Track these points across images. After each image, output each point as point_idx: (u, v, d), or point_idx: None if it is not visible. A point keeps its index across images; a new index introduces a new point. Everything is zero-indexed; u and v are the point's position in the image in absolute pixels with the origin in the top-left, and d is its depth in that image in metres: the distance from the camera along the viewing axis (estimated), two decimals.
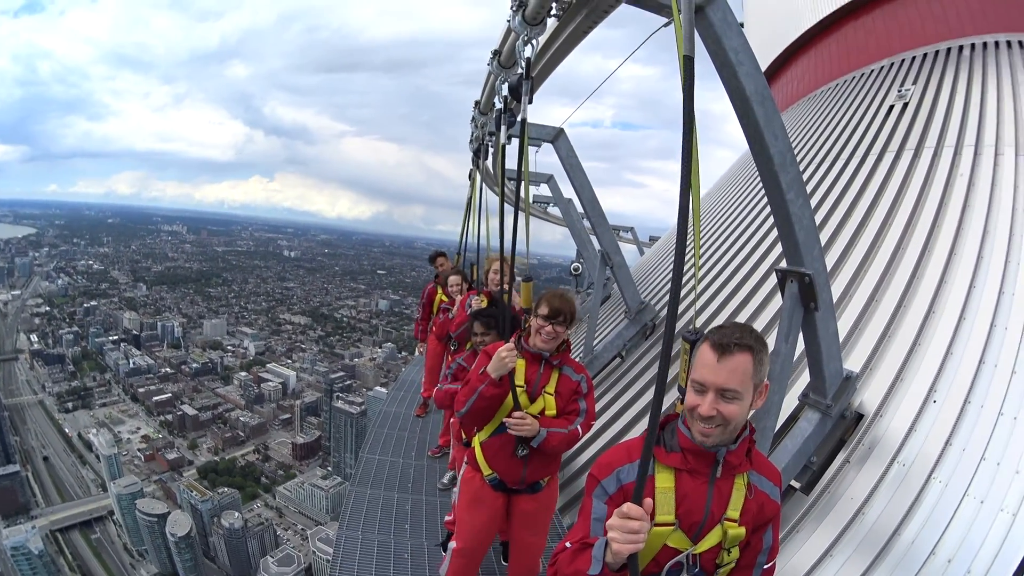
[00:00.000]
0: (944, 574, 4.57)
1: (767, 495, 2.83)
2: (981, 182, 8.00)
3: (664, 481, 2.76)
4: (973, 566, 4.49)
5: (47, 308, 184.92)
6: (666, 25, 4.69)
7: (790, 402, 6.07)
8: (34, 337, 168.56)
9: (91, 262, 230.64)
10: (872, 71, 12.41)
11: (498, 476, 4.93)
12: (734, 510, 2.73)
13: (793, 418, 6.02)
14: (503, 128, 6.22)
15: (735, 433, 2.69)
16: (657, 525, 2.68)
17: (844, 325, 6.86)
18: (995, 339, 5.99)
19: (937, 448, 5.31)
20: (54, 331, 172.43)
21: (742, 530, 2.73)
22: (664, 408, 2.52)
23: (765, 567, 2.91)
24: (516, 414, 4.54)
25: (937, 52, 10.96)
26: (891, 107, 10.58)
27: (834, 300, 5.59)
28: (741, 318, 8.71)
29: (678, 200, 2.66)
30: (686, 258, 12.13)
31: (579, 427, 4.69)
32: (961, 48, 10.62)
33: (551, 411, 4.70)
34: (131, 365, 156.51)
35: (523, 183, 5.59)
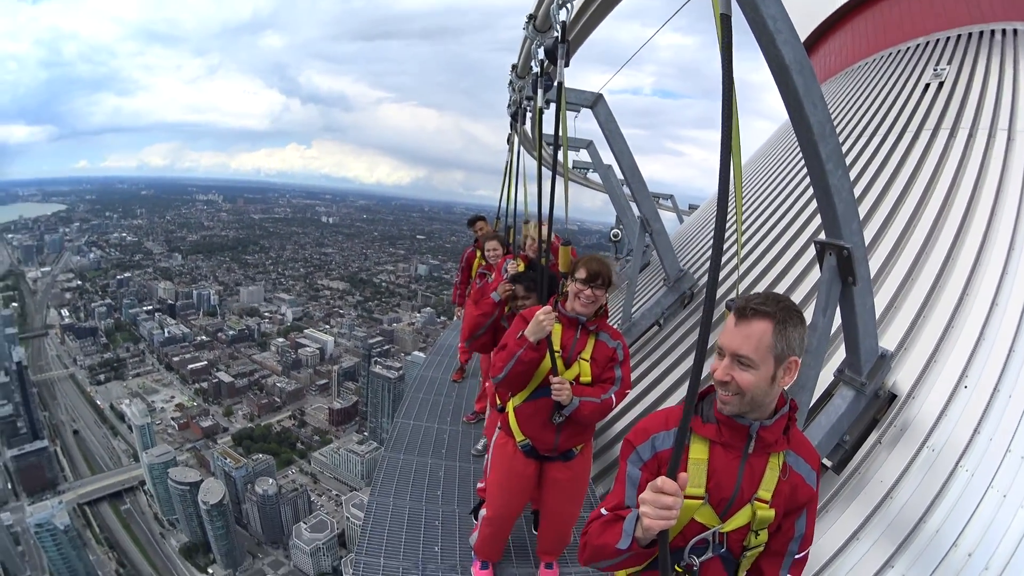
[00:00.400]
0: (964, 568, 4.53)
1: (802, 478, 2.75)
2: (1015, 167, 7.91)
3: (698, 452, 2.72)
4: (991, 562, 4.45)
5: (78, 282, 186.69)
6: None
7: (825, 378, 6.02)
8: (65, 312, 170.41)
9: (124, 234, 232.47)
10: (908, 48, 12.30)
11: (531, 443, 4.94)
12: (766, 490, 2.67)
13: (828, 394, 5.97)
14: (540, 92, 6.21)
15: (756, 405, 2.61)
16: (687, 497, 2.60)
17: (880, 302, 6.78)
18: None
19: (966, 435, 5.26)
20: (86, 304, 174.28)
21: (772, 512, 2.67)
22: (703, 376, 2.48)
23: (797, 556, 2.85)
24: (555, 379, 4.52)
25: (971, 34, 10.86)
26: (927, 85, 10.47)
27: (871, 276, 5.54)
28: (779, 289, 8.68)
29: (718, 165, 2.58)
30: (728, 227, 12.12)
31: (613, 396, 4.66)
32: (993, 32, 10.53)
33: (586, 377, 4.69)
34: (166, 334, 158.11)
35: (561, 148, 5.55)
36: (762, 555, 2.80)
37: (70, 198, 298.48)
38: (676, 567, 2.73)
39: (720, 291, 10.37)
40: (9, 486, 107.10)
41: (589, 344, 4.73)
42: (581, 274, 4.52)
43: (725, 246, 11.40)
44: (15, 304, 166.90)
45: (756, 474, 2.68)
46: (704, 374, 2.49)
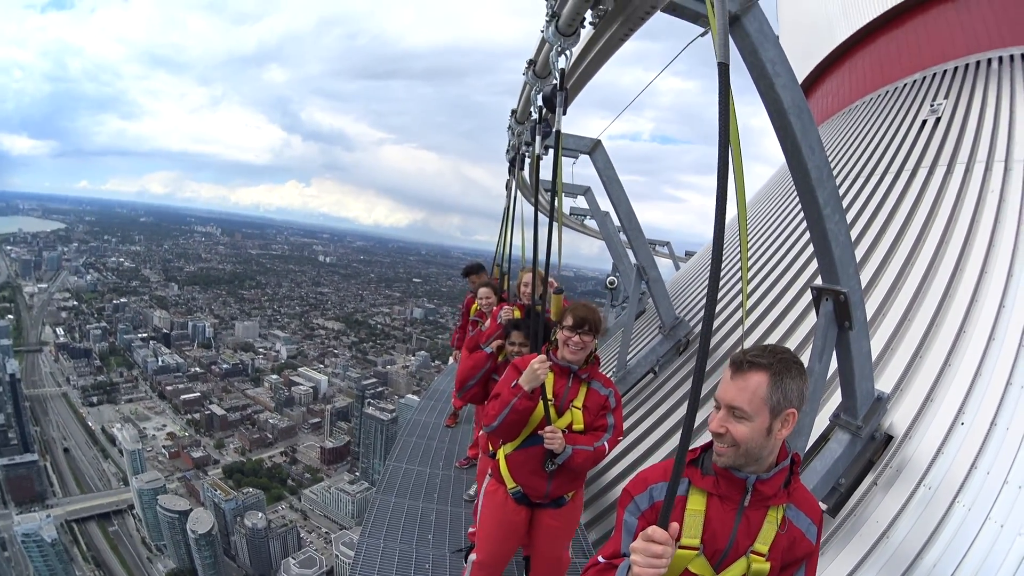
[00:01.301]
0: None
1: (801, 532, 2.72)
2: (1011, 197, 7.93)
3: (696, 504, 2.71)
4: None
5: (75, 303, 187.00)
6: (703, 35, 4.67)
7: (821, 422, 6.02)
8: (60, 330, 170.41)
9: (122, 259, 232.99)
10: (905, 85, 12.40)
11: (522, 490, 4.91)
12: (762, 543, 2.65)
13: (823, 438, 5.96)
14: (538, 139, 6.24)
15: (752, 457, 2.60)
16: (682, 547, 2.64)
17: (877, 344, 6.79)
18: (1023, 360, 5.90)
19: (963, 471, 5.25)
20: (81, 325, 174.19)
21: (767, 566, 2.65)
22: (697, 427, 2.47)
23: None
24: (548, 428, 4.51)
25: (967, 65, 10.94)
26: (924, 122, 10.57)
27: (868, 318, 5.54)
28: (775, 336, 8.72)
29: (714, 213, 2.58)
30: (727, 273, 12.09)
31: (606, 443, 4.64)
32: (989, 61, 10.60)
33: (579, 425, 4.67)
34: (160, 363, 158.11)
35: (557, 194, 5.57)
36: None
37: (70, 217, 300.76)
38: None
39: (717, 338, 10.39)
40: None
41: (581, 392, 4.73)
42: (568, 321, 4.54)
43: (727, 293, 11.44)
44: (11, 317, 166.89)
45: (753, 527, 2.65)
46: (698, 423, 2.49)
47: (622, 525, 2.79)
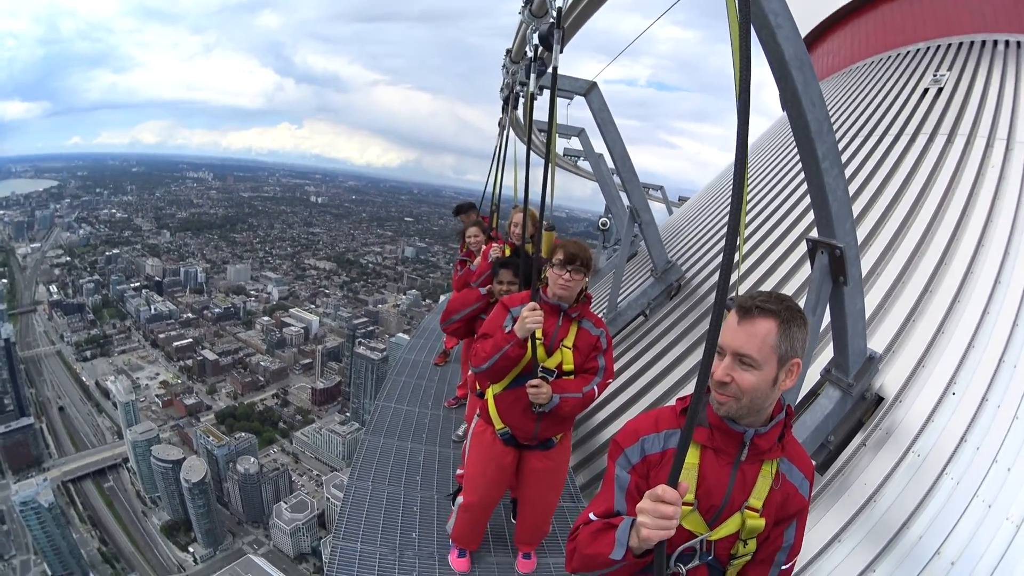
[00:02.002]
0: None
1: (795, 487, 2.67)
2: (1012, 176, 7.88)
3: (690, 457, 2.61)
4: (975, 572, 4.42)
5: (67, 258, 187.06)
6: None
7: (812, 376, 5.99)
8: (53, 288, 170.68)
9: (114, 211, 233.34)
10: (908, 52, 12.31)
11: (510, 431, 4.93)
12: (756, 499, 2.60)
13: (813, 393, 5.93)
14: (533, 77, 6.18)
15: (754, 409, 2.52)
16: None
17: (870, 303, 6.77)
18: (1017, 338, 5.88)
19: (952, 443, 5.24)
20: (74, 281, 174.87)
21: (762, 522, 2.60)
22: (685, 375, 2.41)
23: (784, 567, 2.77)
24: (532, 382, 4.52)
25: (972, 43, 10.88)
26: (926, 90, 10.49)
27: (863, 277, 5.50)
28: (769, 285, 8.69)
29: (734, 151, 2.47)
30: (721, 219, 12.08)
31: (595, 387, 4.65)
32: (996, 43, 10.54)
33: (568, 365, 4.67)
34: (152, 311, 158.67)
35: (551, 134, 5.51)
36: (748, 563, 2.72)
37: (62, 174, 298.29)
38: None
39: (709, 284, 10.37)
40: None
41: (572, 331, 4.71)
42: (559, 257, 4.48)
43: (721, 240, 11.42)
44: (4, 280, 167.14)
45: (748, 482, 2.60)
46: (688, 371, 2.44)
47: (613, 480, 2.73)
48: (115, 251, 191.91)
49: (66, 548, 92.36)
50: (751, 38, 2.54)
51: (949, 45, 11.27)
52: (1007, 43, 10.38)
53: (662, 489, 2.25)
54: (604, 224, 19.68)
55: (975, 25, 11.06)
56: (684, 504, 2.48)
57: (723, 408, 2.52)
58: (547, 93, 5.33)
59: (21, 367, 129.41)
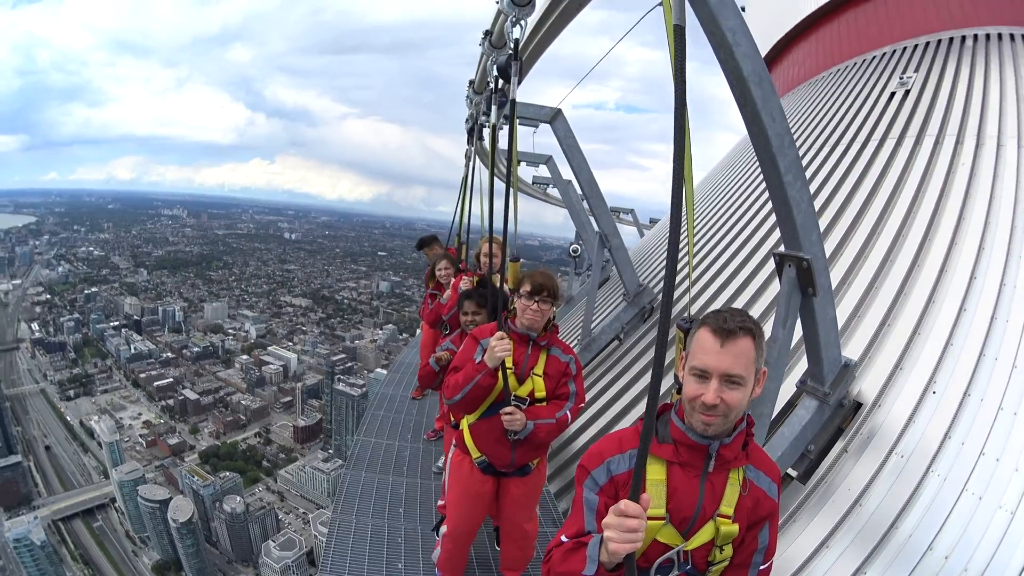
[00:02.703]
0: (942, 570, 4.52)
1: (764, 491, 2.72)
2: (983, 172, 7.94)
3: (655, 473, 2.67)
4: (971, 564, 4.45)
5: (48, 296, 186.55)
6: (659, 4, 4.63)
7: (788, 389, 6.03)
8: (35, 326, 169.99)
9: (91, 248, 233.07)
10: (874, 57, 12.37)
11: (487, 459, 4.94)
12: (727, 506, 2.64)
13: (791, 405, 6.00)
14: (494, 108, 6.24)
15: (734, 422, 2.60)
16: (648, 519, 2.50)
17: (843, 312, 6.82)
18: (996, 332, 5.94)
19: (936, 441, 5.27)
20: (55, 319, 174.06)
21: (735, 527, 2.63)
22: (661, 395, 2.44)
23: (761, 567, 2.82)
24: (506, 410, 4.55)
25: (940, 41, 10.93)
26: (892, 94, 10.55)
27: (833, 287, 5.54)
28: (739, 303, 8.73)
29: (671, 180, 2.54)
30: (698, 235, 12.11)
31: (568, 412, 4.68)
32: (964, 38, 10.59)
33: (540, 392, 4.71)
34: (132, 351, 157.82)
35: (513, 163, 5.54)
36: (727, 568, 2.76)
37: (40, 210, 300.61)
38: None
39: (682, 303, 10.42)
40: None
41: (541, 359, 4.76)
42: (526, 288, 4.56)
43: (684, 259, 11.53)
44: None
45: (717, 491, 2.64)
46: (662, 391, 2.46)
47: (583, 503, 2.76)
48: (94, 289, 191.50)
49: None
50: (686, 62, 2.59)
51: (916, 46, 11.35)
52: (975, 37, 10.46)
53: (625, 504, 2.30)
54: (575, 251, 19.74)
55: (943, 22, 11.15)
56: (655, 519, 2.59)
57: (712, 428, 2.55)
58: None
59: (7, 404, 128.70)
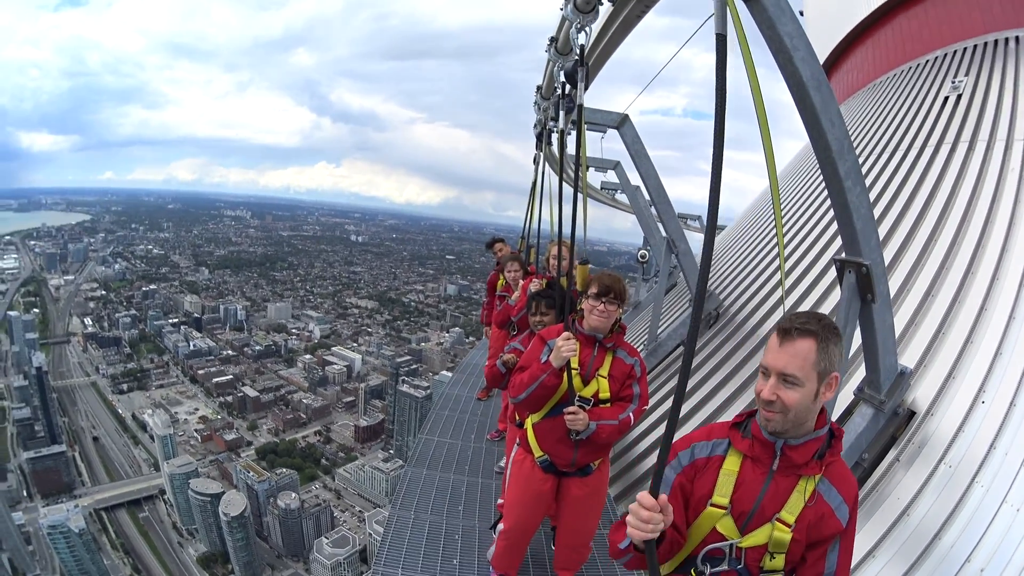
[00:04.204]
0: None
1: (831, 509, 2.68)
2: None
3: (731, 464, 2.81)
4: None
5: (102, 292, 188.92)
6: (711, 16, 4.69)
7: (846, 397, 6.06)
8: (88, 320, 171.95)
9: (150, 247, 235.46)
10: (927, 61, 12.30)
11: (549, 458, 4.98)
12: (789, 513, 2.67)
13: (848, 413, 5.97)
14: (562, 114, 6.32)
15: (799, 424, 2.63)
16: (712, 505, 2.74)
17: (901, 320, 6.79)
18: None
19: (982, 451, 5.21)
20: (110, 314, 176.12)
21: (788, 535, 2.66)
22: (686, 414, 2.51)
23: None
24: (569, 410, 4.59)
25: (986, 44, 10.85)
26: (946, 99, 10.49)
27: (892, 294, 5.53)
28: (803, 309, 8.64)
29: (708, 185, 2.60)
30: (757, 247, 12.10)
31: (631, 414, 4.70)
32: (1007, 40, 10.49)
33: (604, 394, 4.73)
34: (191, 347, 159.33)
35: (581, 167, 5.61)
36: None
37: (95, 208, 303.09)
38: (692, 572, 2.82)
39: (747, 311, 10.38)
40: (24, 487, 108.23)
41: (607, 361, 4.78)
42: (593, 289, 4.60)
43: (756, 265, 11.44)
44: (36, 311, 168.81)
45: (781, 494, 2.69)
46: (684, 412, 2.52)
47: (661, 478, 2.82)
48: (152, 287, 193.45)
49: (96, 572, 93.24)
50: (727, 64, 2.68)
51: (965, 49, 11.28)
52: (1017, 39, 10.37)
53: (641, 495, 2.48)
54: (643, 256, 19.64)
55: (987, 25, 11.06)
56: (718, 507, 2.73)
57: (771, 424, 2.63)
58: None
59: (53, 396, 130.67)
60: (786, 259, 10.48)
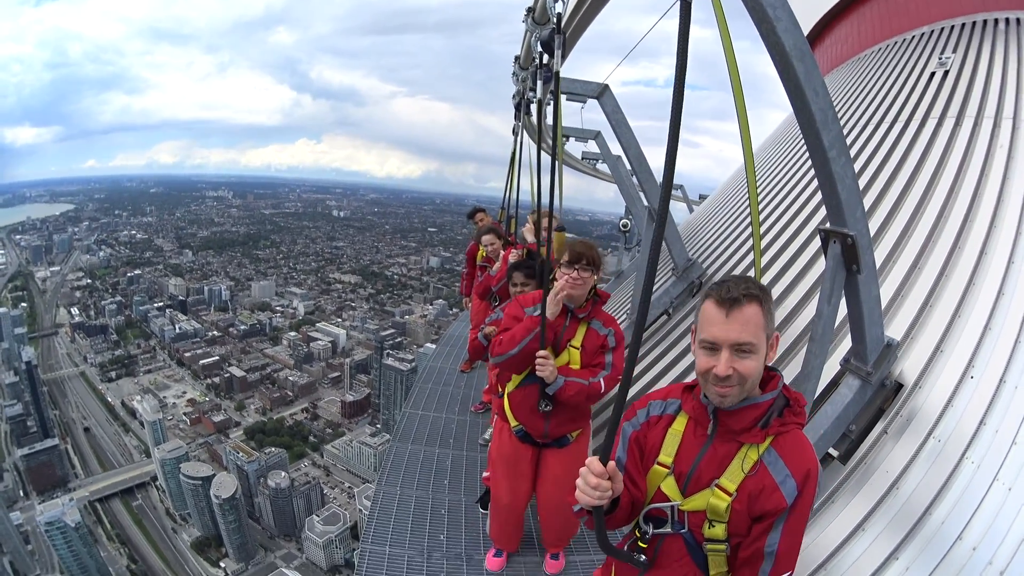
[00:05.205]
0: (968, 561, 4.46)
1: (775, 482, 2.53)
2: (1020, 154, 7.85)
3: (679, 424, 2.83)
4: (995, 557, 4.38)
5: (88, 281, 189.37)
6: None
7: (832, 367, 6.03)
8: (75, 310, 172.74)
9: (134, 232, 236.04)
10: (913, 37, 12.31)
11: (523, 428, 5.04)
12: (728, 480, 2.61)
13: (834, 383, 5.96)
14: (540, 83, 6.28)
15: (751, 391, 2.59)
16: (658, 463, 2.80)
17: (887, 291, 6.75)
18: None
19: (972, 426, 5.20)
20: (96, 302, 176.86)
21: (724, 502, 2.59)
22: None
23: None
24: (541, 353, 4.58)
25: (974, 23, 10.86)
26: (932, 74, 10.50)
27: (878, 265, 5.51)
28: (786, 280, 8.65)
29: (664, 160, 2.60)
30: (735, 217, 12.12)
31: (601, 380, 4.67)
32: (996, 21, 10.51)
33: (575, 364, 4.75)
34: (177, 330, 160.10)
35: (557, 136, 5.59)
36: (736, 563, 2.68)
37: (79, 198, 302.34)
38: (636, 532, 2.88)
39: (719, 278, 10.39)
40: (19, 485, 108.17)
41: (580, 332, 4.79)
42: (565, 257, 4.57)
43: (735, 238, 11.45)
44: (24, 304, 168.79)
45: (720, 460, 2.66)
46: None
47: (619, 433, 2.93)
48: (137, 272, 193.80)
49: (93, 566, 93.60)
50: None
51: (952, 27, 11.29)
52: (1008, 21, 10.37)
53: (589, 460, 2.53)
54: (625, 226, 19.70)
55: (975, 5, 11.08)
56: (662, 466, 2.77)
57: (727, 400, 2.56)
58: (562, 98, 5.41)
59: (44, 389, 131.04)
60: (770, 228, 10.50)
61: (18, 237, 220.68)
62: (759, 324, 2.50)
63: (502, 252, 8.57)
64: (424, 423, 9.23)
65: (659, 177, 10.17)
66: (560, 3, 5.12)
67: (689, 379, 2.95)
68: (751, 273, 9.56)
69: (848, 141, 7.72)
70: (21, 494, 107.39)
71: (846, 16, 15.92)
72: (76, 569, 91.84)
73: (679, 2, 2.72)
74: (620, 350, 4.81)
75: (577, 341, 4.77)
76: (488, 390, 9.71)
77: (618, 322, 4.96)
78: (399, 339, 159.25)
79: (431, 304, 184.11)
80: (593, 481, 2.46)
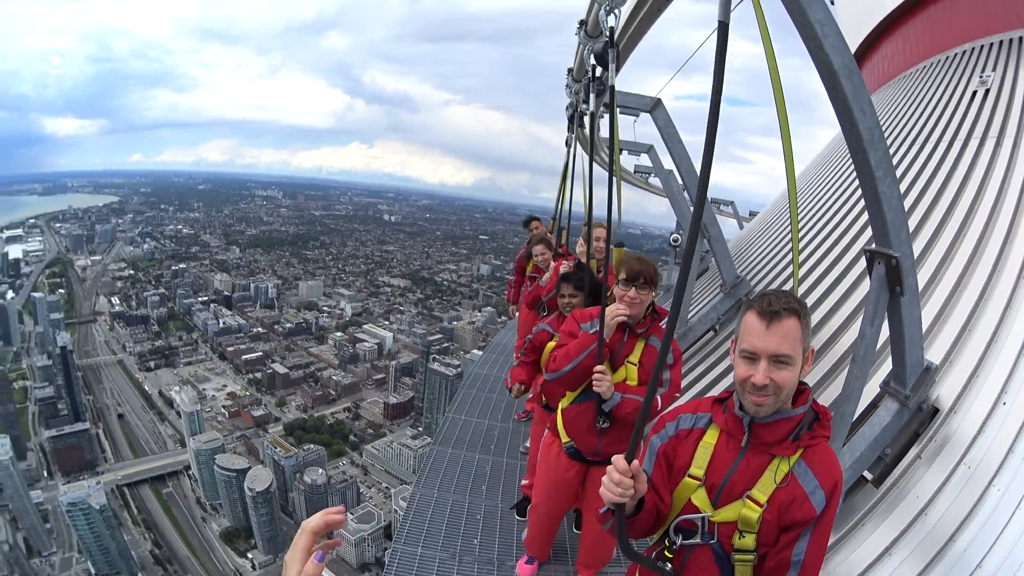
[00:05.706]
0: None
1: (805, 492, 2.63)
2: None
3: (710, 437, 2.88)
4: None
5: (131, 272, 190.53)
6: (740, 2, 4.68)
7: (872, 389, 6.00)
8: (115, 299, 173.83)
9: (180, 227, 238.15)
10: (956, 55, 12.30)
11: (574, 445, 4.98)
12: (760, 491, 2.68)
13: (873, 406, 5.93)
14: (592, 96, 6.29)
15: (786, 402, 2.66)
16: (689, 476, 2.84)
17: (929, 313, 6.71)
18: None
19: (1001, 454, 5.11)
20: (138, 293, 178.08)
21: (756, 513, 2.66)
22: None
23: None
24: (598, 368, 4.49)
25: (1011, 40, 10.81)
26: (974, 92, 10.46)
27: (920, 287, 5.48)
28: (831, 300, 8.60)
29: (699, 175, 2.65)
30: (778, 234, 12.04)
31: (659, 397, 4.55)
32: None
33: (632, 381, 4.68)
34: (220, 325, 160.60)
35: (614, 152, 5.60)
36: (763, 575, 2.75)
37: (123, 190, 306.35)
38: (665, 542, 2.91)
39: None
40: (44, 466, 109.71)
41: (638, 348, 4.71)
42: (622, 275, 4.52)
43: (777, 253, 11.40)
44: (61, 291, 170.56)
45: (752, 471, 2.72)
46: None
47: (647, 446, 3.01)
48: (182, 266, 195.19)
49: (115, 548, 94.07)
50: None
51: (991, 44, 11.25)
52: None
53: (615, 458, 2.55)
54: (675, 240, 19.62)
55: (1011, 22, 11.03)
56: (693, 478, 2.81)
57: (763, 409, 2.64)
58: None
59: (78, 374, 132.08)
60: (818, 247, 10.46)
61: (58, 225, 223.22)
62: (797, 337, 2.57)
63: (552, 263, 8.58)
64: (467, 428, 9.30)
65: (711, 193, 10.16)
66: (612, 17, 5.13)
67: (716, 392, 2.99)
68: (804, 291, 9.58)
69: (894, 160, 7.69)
70: (45, 474, 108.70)
71: (893, 32, 15.90)
72: (95, 549, 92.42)
73: (719, 23, 2.77)
74: (678, 367, 4.77)
75: (635, 357, 4.71)
76: (531, 399, 9.65)
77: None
78: (446, 344, 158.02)
79: (480, 311, 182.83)
80: (616, 477, 2.50)
